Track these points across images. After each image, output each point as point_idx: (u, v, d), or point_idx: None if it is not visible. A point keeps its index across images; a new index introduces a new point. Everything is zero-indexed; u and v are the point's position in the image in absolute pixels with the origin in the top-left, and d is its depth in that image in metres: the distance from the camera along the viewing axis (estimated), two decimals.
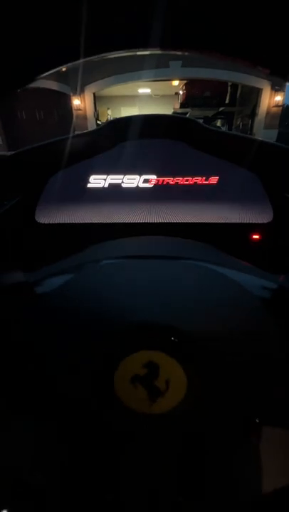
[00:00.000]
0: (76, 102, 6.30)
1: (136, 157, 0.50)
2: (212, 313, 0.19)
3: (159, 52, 0.18)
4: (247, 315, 0.20)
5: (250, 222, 0.51)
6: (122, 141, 0.44)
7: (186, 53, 0.18)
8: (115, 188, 0.52)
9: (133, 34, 0.16)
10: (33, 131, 6.18)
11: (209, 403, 0.19)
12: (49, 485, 0.18)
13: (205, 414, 0.19)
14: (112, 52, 0.18)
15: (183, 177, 0.51)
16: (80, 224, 0.53)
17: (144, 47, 0.17)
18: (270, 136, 6.10)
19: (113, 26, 0.16)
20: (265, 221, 0.50)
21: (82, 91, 6.25)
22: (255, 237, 0.51)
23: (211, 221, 0.52)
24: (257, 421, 0.22)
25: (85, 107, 6.46)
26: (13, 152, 0.41)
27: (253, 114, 6.46)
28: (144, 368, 0.17)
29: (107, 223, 0.53)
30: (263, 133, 6.19)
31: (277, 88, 5.70)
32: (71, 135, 0.44)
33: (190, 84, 6.79)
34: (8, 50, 0.16)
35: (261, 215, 0.50)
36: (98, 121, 6.81)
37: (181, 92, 7.12)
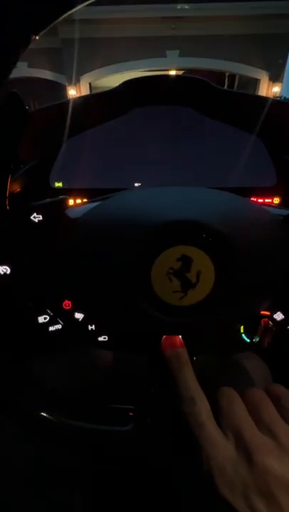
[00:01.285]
0: (72, 92, 6.19)
1: (148, 123, 0.52)
2: (242, 219, 0.22)
3: None
4: (270, 227, 0.22)
5: (255, 186, 0.54)
6: (135, 101, 0.46)
7: None
8: (127, 153, 0.54)
9: None
10: None
11: (232, 297, 0.22)
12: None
13: (227, 308, 0.22)
14: None
15: (192, 143, 0.53)
16: (93, 189, 0.55)
17: None
18: None
19: None
20: (269, 184, 0.53)
21: (77, 81, 6.14)
22: (260, 200, 0.54)
23: (218, 186, 0.54)
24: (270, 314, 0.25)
25: None
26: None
27: None
28: (178, 261, 0.20)
29: (118, 188, 0.55)
30: None
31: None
32: (84, 95, 0.45)
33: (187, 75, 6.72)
34: None
35: (265, 179, 0.53)
36: None
37: None
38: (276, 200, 0.52)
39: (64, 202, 0.23)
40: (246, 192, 0.54)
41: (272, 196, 0.52)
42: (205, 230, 0.20)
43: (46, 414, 0.26)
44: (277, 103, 0.42)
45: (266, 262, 0.22)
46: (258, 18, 5.04)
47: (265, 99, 0.43)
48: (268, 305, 0.24)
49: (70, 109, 0.43)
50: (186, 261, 0.20)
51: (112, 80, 6.76)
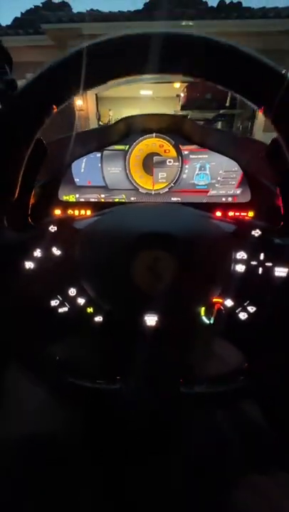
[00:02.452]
0: (78, 102, 6.40)
1: (141, 151, 0.61)
2: (197, 232, 0.31)
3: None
4: (219, 238, 0.31)
5: (233, 202, 0.63)
6: (132, 133, 0.56)
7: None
8: (123, 174, 0.64)
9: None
10: None
11: (189, 286, 0.30)
12: None
13: (187, 294, 0.31)
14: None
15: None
16: (95, 202, 0.64)
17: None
18: (269, 139, 6.22)
19: None
20: (245, 201, 0.62)
21: (84, 92, 6.36)
22: (237, 214, 0.63)
23: (202, 201, 0.64)
24: (220, 304, 0.34)
25: (87, 108, 6.57)
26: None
27: (253, 117, 6.60)
28: (152, 260, 0.29)
29: (116, 202, 0.65)
30: (262, 136, 6.32)
31: None
32: (89, 128, 0.55)
33: (191, 87, 6.90)
34: None
35: (242, 196, 0.62)
36: (100, 122, 6.94)
37: (182, 94, 7.24)
38: (251, 214, 0.61)
39: (71, 218, 0.33)
40: (226, 206, 0.63)
41: (247, 210, 0.61)
42: (169, 239, 0.29)
43: (58, 376, 0.35)
44: (249, 141, 0.51)
45: (214, 262, 0.30)
46: (259, 34, 5.22)
47: (243, 139, 0.52)
48: (220, 293, 0.33)
49: (78, 140, 0.52)
50: (157, 261, 0.29)
51: (118, 90, 6.99)
